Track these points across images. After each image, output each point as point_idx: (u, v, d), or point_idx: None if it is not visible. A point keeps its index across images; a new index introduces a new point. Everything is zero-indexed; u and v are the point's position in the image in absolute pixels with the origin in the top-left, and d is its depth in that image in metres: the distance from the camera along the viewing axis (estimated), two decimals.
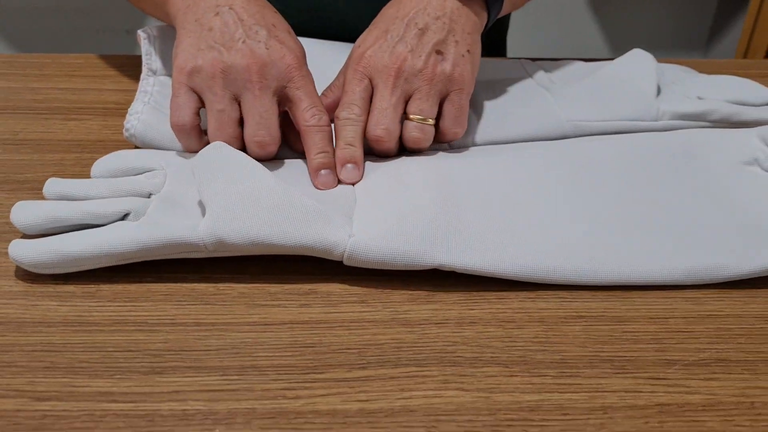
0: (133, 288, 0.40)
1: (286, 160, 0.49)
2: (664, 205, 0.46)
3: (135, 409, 0.33)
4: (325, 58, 0.57)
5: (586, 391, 0.34)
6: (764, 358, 0.36)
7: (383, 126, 0.47)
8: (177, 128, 0.47)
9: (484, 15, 0.52)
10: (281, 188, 0.41)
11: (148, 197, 0.43)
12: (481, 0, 0.52)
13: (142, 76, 0.53)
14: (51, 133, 0.55)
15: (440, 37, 0.49)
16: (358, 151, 0.47)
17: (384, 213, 0.42)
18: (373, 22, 0.51)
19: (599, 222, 0.44)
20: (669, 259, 0.41)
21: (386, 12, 0.51)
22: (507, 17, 0.77)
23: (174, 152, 0.48)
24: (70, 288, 0.39)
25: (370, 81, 0.49)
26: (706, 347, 0.37)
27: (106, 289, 0.40)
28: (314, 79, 0.51)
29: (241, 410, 0.33)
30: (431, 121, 0.48)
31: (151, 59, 0.54)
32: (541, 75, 0.61)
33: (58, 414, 0.32)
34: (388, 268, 0.40)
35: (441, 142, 0.51)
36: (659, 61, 0.62)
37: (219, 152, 0.44)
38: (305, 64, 0.49)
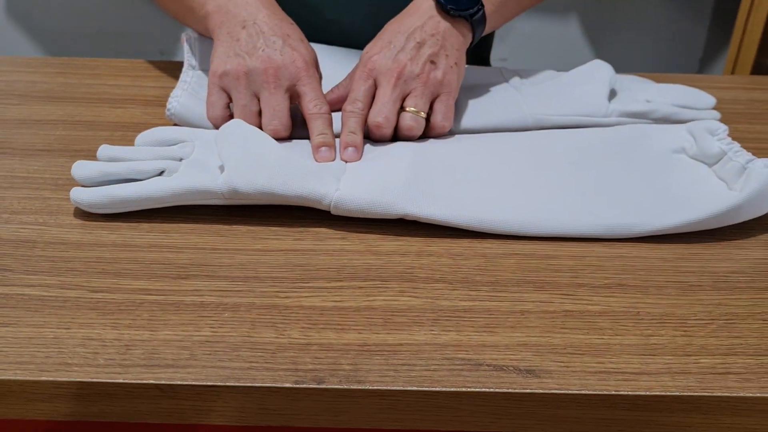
0: (166, 225, 0.51)
1: (294, 140, 0.60)
2: (598, 179, 0.56)
3: (165, 300, 0.43)
4: (331, 60, 0.69)
5: (509, 301, 0.44)
6: (655, 284, 0.46)
7: (384, 115, 0.58)
8: (212, 120, 0.59)
9: (470, 35, 0.63)
10: (284, 152, 0.52)
11: (180, 161, 0.55)
12: (467, 23, 0.62)
13: (184, 69, 0.66)
14: (101, 117, 0.67)
15: (434, 50, 0.59)
16: (358, 138, 0.57)
17: (366, 175, 0.53)
18: (378, 35, 0.62)
19: (539, 189, 0.54)
20: (591, 217, 0.51)
21: (389, 27, 0.62)
22: (490, 40, 0.88)
23: (203, 129, 0.59)
24: (117, 223, 0.51)
25: (374, 81, 0.59)
26: (612, 276, 0.47)
27: (146, 225, 0.51)
28: (324, 76, 0.62)
29: (244, 303, 0.43)
30: (423, 114, 0.58)
31: (191, 56, 0.66)
32: (515, 79, 0.71)
33: (107, 300, 0.43)
34: (367, 217, 0.51)
35: (429, 136, 0.61)
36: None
37: (236, 126, 0.55)
38: (312, 65, 0.60)
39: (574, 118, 0.65)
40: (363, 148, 0.58)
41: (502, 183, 0.54)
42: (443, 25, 0.60)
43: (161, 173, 0.53)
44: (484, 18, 0.63)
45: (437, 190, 0.52)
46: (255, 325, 0.41)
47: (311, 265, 0.47)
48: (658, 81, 0.73)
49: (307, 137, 0.59)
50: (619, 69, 0.80)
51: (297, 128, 0.60)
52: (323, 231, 0.51)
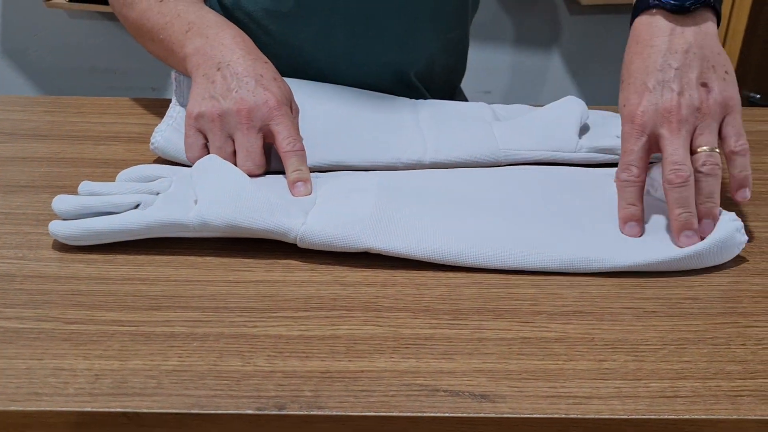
0: (141, 257, 0.52)
1: (269, 175, 0.62)
2: (562, 215, 0.57)
3: (137, 331, 0.45)
4: (309, 94, 0.72)
5: (469, 329, 0.46)
6: (611, 311, 0.48)
7: (683, 174, 0.50)
8: (191, 160, 0.61)
9: (715, 19, 0.55)
10: (254, 187, 0.54)
11: (157, 195, 0.57)
12: (706, 8, 0.54)
13: (171, 105, 0.69)
14: (84, 154, 0.69)
15: (698, 69, 0.52)
16: (639, 210, 0.52)
17: (334, 210, 0.55)
18: (625, 79, 0.55)
19: (503, 223, 0.55)
20: (551, 252, 0.52)
21: (633, 66, 0.55)
22: (462, 68, 0.91)
23: (181, 167, 0.62)
24: (94, 256, 0.52)
25: (648, 137, 0.53)
26: (570, 304, 0.49)
27: (121, 258, 0.52)
28: (302, 111, 0.64)
29: (213, 333, 0.45)
30: (717, 149, 0.52)
31: (179, 93, 0.69)
32: (490, 114, 0.74)
33: (81, 332, 0.45)
34: (331, 250, 0.52)
35: (730, 165, 0.54)
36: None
37: (211, 162, 0.57)
38: (285, 103, 0.62)
39: (543, 153, 0.67)
40: (643, 220, 0.54)
41: (465, 218, 0.55)
42: (688, 33, 0.54)
43: (137, 207, 0.55)
44: None
45: (401, 224, 0.53)
46: (222, 354, 0.43)
47: (280, 295, 0.49)
48: None
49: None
50: (600, 101, 0.83)
51: (276, 162, 0.63)
52: (293, 263, 0.52)
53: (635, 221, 0.53)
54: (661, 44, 0.53)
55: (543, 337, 0.45)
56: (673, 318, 0.47)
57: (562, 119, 0.70)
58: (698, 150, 0.52)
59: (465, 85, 0.99)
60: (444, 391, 0.41)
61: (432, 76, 0.84)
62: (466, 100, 0.94)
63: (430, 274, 0.51)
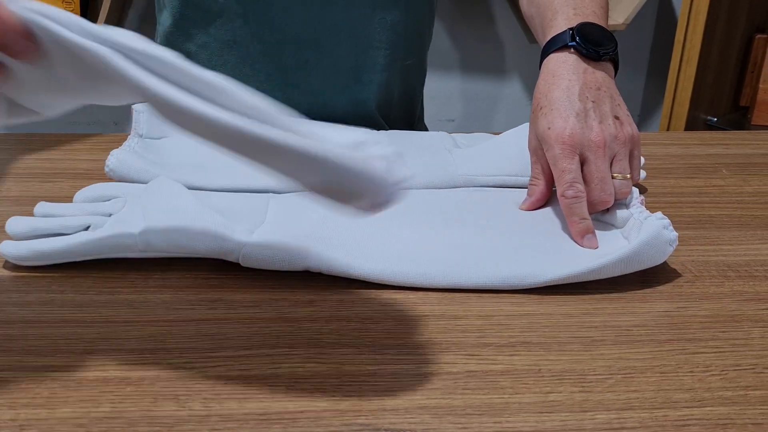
0: (79, 298, 0.51)
1: (216, 191, 0.61)
2: (501, 233, 0.58)
3: (68, 376, 0.43)
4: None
5: (414, 363, 0.45)
6: (558, 341, 0.47)
7: (609, 192, 0.56)
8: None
9: (612, 69, 0.62)
10: (199, 207, 0.54)
11: (109, 216, 0.57)
12: (609, 61, 0.60)
13: (130, 136, 0.70)
14: (29, 191, 0.67)
15: (611, 105, 0.58)
16: (590, 221, 0.55)
17: (278, 230, 0.55)
18: (544, 105, 0.58)
19: (444, 242, 0.56)
20: (490, 269, 0.52)
21: (550, 95, 0.59)
22: (419, 96, 0.91)
23: (135, 184, 0.62)
24: (30, 298, 0.51)
25: (579, 156, 0.56)
26: (517, 335, 0.48)
27: (59, 299, 0.51)
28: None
29: (149, 376, 0.43)
30: (629, 175, 0.57)
31: (139, 125, 0.70)
32: (451, 142, 0.74)
33: (9, 380, 0.43)
34: (273, 268, 0.52)
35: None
36: None
37: (161, 182, 0.59)
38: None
39: (501, 178, 0.68)
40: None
41: (406, 238, 0.56)
42: (599, 74, 0.59)
43: (88, 228, 0.55)
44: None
45: (339, 242, 0.54)
46: (156, 399, 0.41)
47: (221, 334, 0.47)
48: None
49: (246, 188, 0.62)
50: None
51: (239, 177, 0.63)
52: (237, 298, 0.51)
53: (591, 233, 0.55)
54: (575, 78, 0.58)
55: (489, 370, 0.44)
56: (621, 346, 0.47)
57: (519, 145, 0.71)
58: (615, 176, 0.57)
59: (428, 113, 1.00)
60: (385, 430, 0.40)
61: (391, 104, 0.84)
62: (427, 130, 0.95)
63: (376, 307, 0.50)
